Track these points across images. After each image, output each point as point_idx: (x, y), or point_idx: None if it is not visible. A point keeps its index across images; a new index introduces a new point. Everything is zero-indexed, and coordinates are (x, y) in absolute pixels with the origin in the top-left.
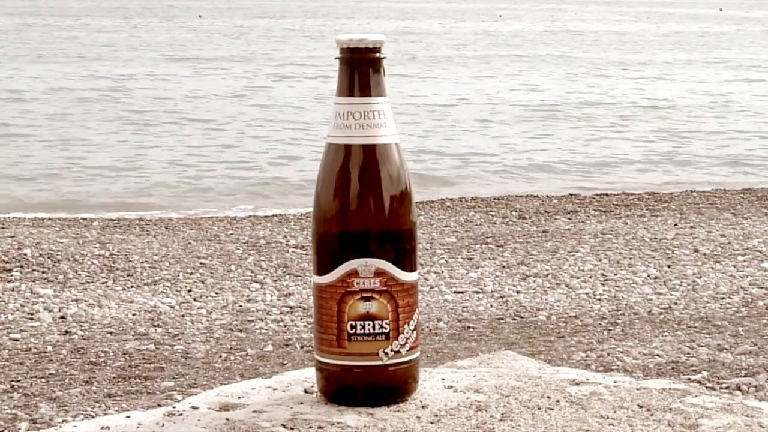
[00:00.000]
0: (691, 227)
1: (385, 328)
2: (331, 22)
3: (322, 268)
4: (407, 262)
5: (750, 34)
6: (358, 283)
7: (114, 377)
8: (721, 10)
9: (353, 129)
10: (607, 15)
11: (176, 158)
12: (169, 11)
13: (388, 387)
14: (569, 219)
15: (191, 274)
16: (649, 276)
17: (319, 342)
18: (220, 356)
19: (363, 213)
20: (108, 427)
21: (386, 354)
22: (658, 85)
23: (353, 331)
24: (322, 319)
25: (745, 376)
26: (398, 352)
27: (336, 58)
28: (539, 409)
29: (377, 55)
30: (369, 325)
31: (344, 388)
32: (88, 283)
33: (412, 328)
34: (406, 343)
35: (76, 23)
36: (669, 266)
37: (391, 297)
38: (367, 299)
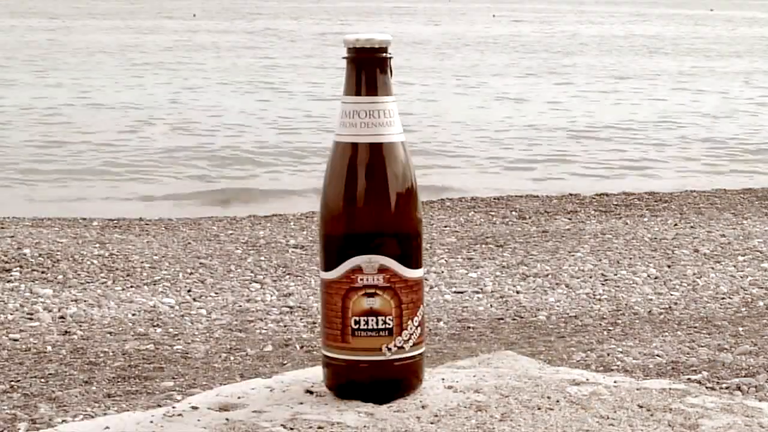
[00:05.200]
0: (691, 227)
1: (389, 324)
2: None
3: (328, 264)
4: (412, 259)
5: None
6: (362, 280)
7: (114, 377)
8: (711, 10)
9: (360, 128)
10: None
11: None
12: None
13: (392, 382)
14: (569, 219)
15: (191, 274)
16: (649, 276)
17: (325, 337)
18: (220, 356)
19: (368, 210)
20: (108, 427)
21: (389, 349)
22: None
23: (357, 326)
24: (328, 314)
25: (745, 376)
26: (402, 347)
27: (343, 58)
28: (539, 409)
29: (384, 54)
30: (372, 320)
31: (349, 383)
32: (88, 283)
33: (416, 324)
34: (409, 338)
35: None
36: (669, 266)
37: (395, 293)
38: (370, 295)
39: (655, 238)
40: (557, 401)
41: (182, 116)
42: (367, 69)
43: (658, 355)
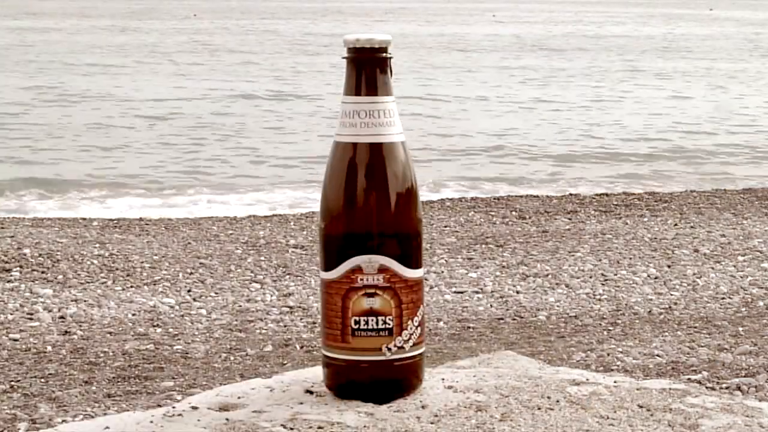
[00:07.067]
0: (691, 227)
1: (389, 324)
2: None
3: (328, 264)
4: (412, 259)
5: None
6: (361, 280)
7: (113, 377)
8: (711, 9)
9: (359, 128)
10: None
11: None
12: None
13: (393, 382)
14: (569, 219)
15: (191, 274)
16: (649, 276)
17: (325, 336)
18: (220, 356)
19: (368, 210)
20: (108, 427)
21: (389, 350)
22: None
23: (357, 326)
24: (328, 314)
25: (745, 376)
26: (401, 347)
27: (343, 58)
28: (539, 409)
29: (384, 54)
30: (372, 320)
31: (349, 383)
32: (88, 283)
33: (416, 324)
34: (409, 339)
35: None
36: (669, 266)
37: (395, 293)
38: (370, 295)
39: (655, 238)
40: (557, 401)
41: None
42: (367, 69)
43: (658, 355)
